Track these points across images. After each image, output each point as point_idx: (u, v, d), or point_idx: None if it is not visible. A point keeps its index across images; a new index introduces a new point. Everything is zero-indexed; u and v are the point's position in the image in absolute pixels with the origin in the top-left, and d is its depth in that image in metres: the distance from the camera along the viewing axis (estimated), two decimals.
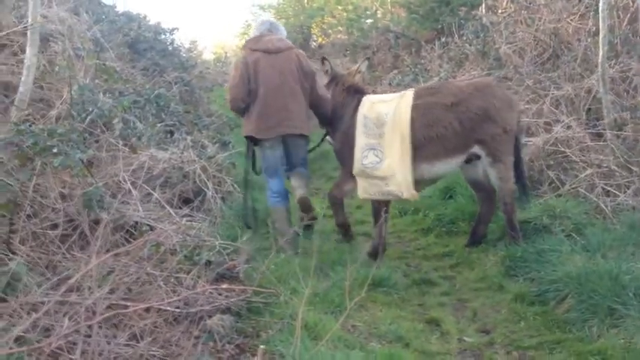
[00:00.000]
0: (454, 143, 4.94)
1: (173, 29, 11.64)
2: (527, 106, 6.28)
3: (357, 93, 5.39)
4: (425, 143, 4.92)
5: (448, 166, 5.07)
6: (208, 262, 4.47)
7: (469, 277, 4.72)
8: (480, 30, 8.01)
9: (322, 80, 5.52)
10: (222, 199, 5.85)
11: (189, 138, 7.03)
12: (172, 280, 4.11)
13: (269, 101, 5.17)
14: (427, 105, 4.98)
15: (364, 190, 5.14)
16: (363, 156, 5.05)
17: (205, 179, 5.69)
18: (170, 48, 11.95)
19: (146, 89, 7.61)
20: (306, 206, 5.34)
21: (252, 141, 5.42)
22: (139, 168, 5.65)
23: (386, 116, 4.99)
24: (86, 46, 7.82)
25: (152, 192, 5.47)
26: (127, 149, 5.89)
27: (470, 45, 8.16)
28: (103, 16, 9.88)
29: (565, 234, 4.71)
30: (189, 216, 5.43)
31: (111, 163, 5.64)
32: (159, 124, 6.74)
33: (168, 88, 9.44)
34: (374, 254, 5.07)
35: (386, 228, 5.22)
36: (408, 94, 5.10)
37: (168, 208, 5.36)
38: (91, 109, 5.84)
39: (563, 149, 5.60)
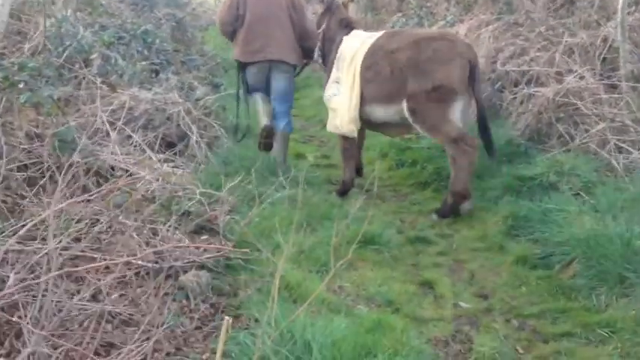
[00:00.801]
0: (387, 91, 4.96)
1: None
2: (538, 54, 5.87)
3: (347, 27, 5.51)
4: (366, 85, 5.06)
5: (387, 113, 5.08)
6: (187, 213, 4.17)
7: (468, 235, 4.42)
8: None
9: (310, 15, 5.76)
10: (208, 144, 5.49)
11: (175, 78, 6.65)
12: (146, 230, 3.80)
13: (254, 27, 5.53)
14: (377, 48, 5.07)
15: (328, 122, 5.47)
16: (328, 87, 5.38)
17: (190, 122, 5.31)
18: None
19: (132, 25, 7.16)
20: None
21: (241, 65, 5.77)
22: (118, 108, 5.29)
23: (350, 52, 5.21)
24: None
25: (132, 134, 5.13)
26: (107, 88, 5.51)
27: None
28: None
29: (573, 193, 4.39)
30: (171, 161, 5.09)
31: (89, 102, 5.28)
32: (143, 63, 6.32)
33: (158, 25, 8.99)
34: (343, 192, 5.29)
35: (353, 165, 5.44)
36: (375, 35, 5.28)
37: (148, 151, 5.03)
38: (68, 43, 5.44)
39: (574, 101, 5.22)
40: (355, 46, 5.18)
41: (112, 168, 4.59)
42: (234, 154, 5.32)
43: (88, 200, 3.73)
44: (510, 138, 5.39)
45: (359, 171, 5.70)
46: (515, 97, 5.72)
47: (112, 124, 5.08)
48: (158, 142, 5.26)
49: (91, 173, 4.37)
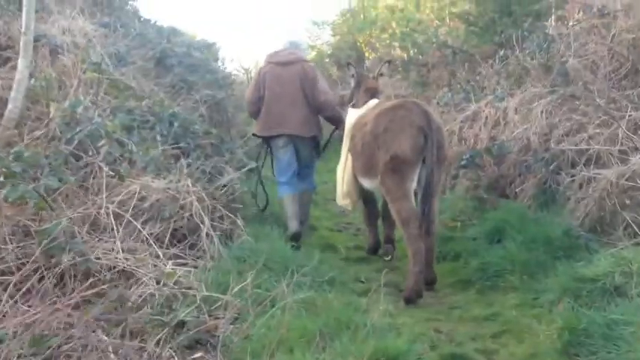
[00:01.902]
0: (365, 164, 5.06)
1: (212, 44, 11.03)
2: (597, 131, 5.21)
3: (371, 96, 5.81)
4: (353, 158, 5.37)
5: (373, 186, 5.14)
6: (182, 322, 3.66)
7: (515, 352, 3.68)
8: (544, 41, 6.95)
9: (324, 86, 6.23)
10: (224, 236, 5.02)
11: (198, 163, 6.31)
12: (126, 349, 3.31)
13: (271, 105, 6.23)
14: (358, 121, 5.34)
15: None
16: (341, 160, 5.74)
17: (202, 212, 4.87)
18: (209, 64, 11.39)
19: (161, 108, 6.92)
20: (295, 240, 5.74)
21: (264, 141, 6.57)
22: (128, 198, 4.93)
23: (348, 125, 5.62)
24: (102, 60, 7.24)
25: (139, 227, 4.72)
26: (115, 176, 5.18)
27: (532, 59, 7.11)
28: (133, 30, 9.35)
29: None
30: (180, 257, 4.65)
31: (97, 193, 4.95)
32: (163, 147, 6.00)
33: (195, 107, 8.80)
34: (371, 251, 5.71)
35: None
36: (367, 107, 5.55)
37: (155, 246, 4.60)
38: (78, 129, 5.17)
39: None
40: (352, 117, 5.55)
41: (110, 268, 4.19)
42: (251, 248, 4.81)
43: (57, 309, 3.29)
44: (568, 228, 4.70)
45: (391, 241, 5.67)
46: (574, 180, 5.05)
47: (118, 216, 4.73)
48: (168, 235, 4.84)
49: (80, 276, 3.99)
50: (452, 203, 6.22)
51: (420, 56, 12.08)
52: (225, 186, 5.86)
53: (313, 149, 6.35)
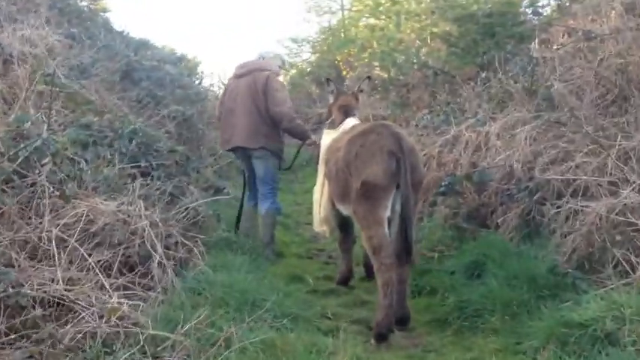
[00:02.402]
0: (340, 189, 4.80)
1: (186, 58, 10.67)
2: (585, 160, 4.90)
3: (345, 114, 5.63)
4: (329, 182, 5.12)
5: (348, 211, 4.80)
6: None
7: None
8: (528, 64, 6.69)
9: (281, 97, 6.01)
10: (181, 265, 4.61)
11: (141, 183, 5.91)
12: None
13: (226, 118, 6.27)
14: (332, 144, 5.13)
15: None
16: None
17: (154, 239, 4.46)
18: (181, 79, 11.01)
19: (120, 123, 6.52)
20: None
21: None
22: (74, 222, 4.51)
23: (323, 146, 5.41)
24: (55, 72, 6.83)
25: (86, 255, 4.29)
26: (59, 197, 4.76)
27: (515, 82, 6.84)
28: (98, 42, 8.96)
29: (638, 348, 3.29)
30: (129, 289, 4.23)
31: (42, 215, 4.53)
32: (118, 166, 5.59)
33: (163, 123, 8.40)
34: (341, 282, 5.41)
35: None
36: (341, 129, 5.35)
37: (101, 276, 4.17)
38: (22, 146, 4.74)
39: (634, 220, 4.19)
40: (327, 140, 5.33)
41: (47, 301, 3.76)
42: (208, 279, 4.40)
43: None
44: (553, 264, 4.34)
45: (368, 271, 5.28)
46: (559, 212, 4.71)
47: (62, 242, 4.32)
48: (117, 263, 4.41)
49: (9, 310, 3.56)
50: (429, 232, 5.87)
51: (400, 76, 11.84)
52: (186, 208, 5.46)
53: (270, 164, 6.13)
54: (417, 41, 12.00)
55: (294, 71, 18.61)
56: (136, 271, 4.43)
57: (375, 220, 4.30)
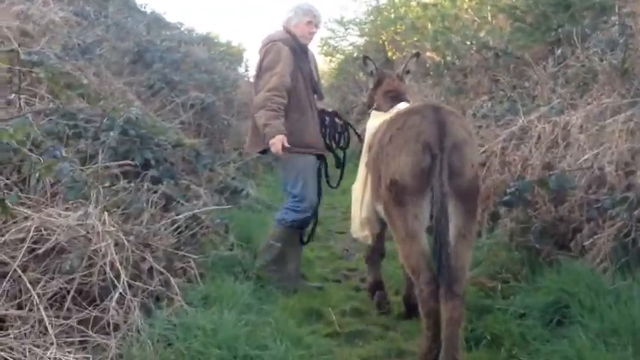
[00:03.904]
0: (372, 181, 4.04)
1: (206, 38, 9.66)
2: None
3: (394, 100, 4.59)
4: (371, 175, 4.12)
5: (382, 213, 3.90)
6: None
7: None
8: (620, 36, 5.35)
9: (266, 79, 4.64)
10: (157, 299, 3.53)
11: (155, 188, 4.89)
12: None
13: None
14: (378, 129, 4.14)
15: None
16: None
17: (119, 266, 3.38)
18: (208, 63, 10.00)
19: (116, 111, 5.50)
20: None
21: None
22: (19, 240, 3.50)
23: (368, 134, 4.47)
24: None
25: (29, 285, 3.28)
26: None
27: (601, 60, 5.50)
28: (105, 18, 7.98)
29: None
30: (83, 332, 3.19)
31: None
32: (102, 164, 4.56)
33: (176, 112, 7.39)
34: (373, 296, 4.50)
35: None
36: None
37: (44, 314, 3.16)
38: None
39: None
40: (375, 122, 4.36)
41: None
42: (185, 323, 3.30)
43: None
44: None
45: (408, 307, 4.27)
46: None
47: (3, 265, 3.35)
48: (69, 298, 3.38)
49: None
50: (490, 253, 4.64)
51: (456, 59, 10.54)
52: (173, 222, 4.40)
53: (280, 168, 5.03)
54: (476, 18, 10.63)
55: (340, 56, 17.49)
56: (94, 305, 3.40)
57: (407, 233, 3.42)
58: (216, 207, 4.98)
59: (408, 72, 4.84)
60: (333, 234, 5.97)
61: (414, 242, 3.38)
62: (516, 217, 4.64)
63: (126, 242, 3.50)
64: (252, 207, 6.67)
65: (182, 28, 10.43)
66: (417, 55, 5.01)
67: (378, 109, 4.65)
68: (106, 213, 3.61)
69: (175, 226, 4.51)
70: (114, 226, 3.54)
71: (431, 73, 10.25)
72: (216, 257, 4.37)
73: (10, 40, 5.12)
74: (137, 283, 3.44)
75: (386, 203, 3.57)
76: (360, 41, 16.43)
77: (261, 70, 4.70)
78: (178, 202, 5.15)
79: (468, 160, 3.39)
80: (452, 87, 9.68)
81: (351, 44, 16.67)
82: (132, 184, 4.49)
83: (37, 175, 3.71)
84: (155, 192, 4.93)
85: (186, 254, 4.15)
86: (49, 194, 3.86)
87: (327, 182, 5.05)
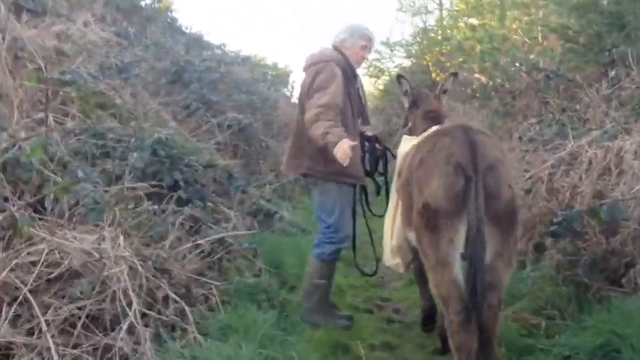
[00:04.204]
0: (402, 207, 3.89)
1: (246, 59, 9.60)
2: None
3: (428, 121, 4.37)
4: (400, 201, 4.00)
5: (413, 239, 3.65)
6: None
7: None
8: None
9: (318, 97, 4.28)
10: (170, 330, 3.35)
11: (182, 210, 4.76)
12: None
13: None
14: (409, 152, 3.94)
15: None
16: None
17: (131, 293, 3.21)
18: (249, 84, 9.92)
19: (144, 132, 5.41)
20: None
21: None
22: (30, 263, 3.38)
23: (399, 157, 4.28)
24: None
25: (38, 312, 3.14)
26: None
27: None
28: (145, 38, 7.99)
29: None
30: None
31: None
32: (127, 184, 4.43)
33: (212, 133, 7.29)
34: (425, 324, 4.29)
35: None
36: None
37: (51, 343, 3.01)
38: None
39: None
40: (406, 147, 4.19)
41: None
42: (200, 355, 3.10)
43: None
44: None
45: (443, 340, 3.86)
46: None
47: (9, 291, 3.22)
48: (79, 325, 3.22)
49: None
50: (534, 286, 4.31)
51: (505, 81, 10.21)
52: (198, 245, 4.24)
53: (319, 194, 4.51)
54: (526, 39, 10.29)
55: (386, 77, 17.30)
56: (105, 333, 3.24)
57: (439, 260, 3.22)
58: (245, 232, 4.78)
59: (445, 92, 4.61)
60: (369, 260, 5.70)
61: (445, 270, 3.18)
62: (564, 249, 4.29)
63: (140, 268, 3.33)
64: (286, 230, 6.48)
65: (224, 49, 10.39)
66: (455, 75, 4.84)
67: (412, 130, 4.47)
68: (121, 237, 3.46)
69: (200, 250, 4.38)
70: (129, 251, 3.37)
71: (477, 95, 9.90)
72: (240, 284, 4.17)
73: (37, 58, 5.05)
74: (150, 312, 3.26)
75: (417, 229, 3.38)
76: (407, 63, 16.23)
77: (310, 89, 4.34)
78: (206, 225, 5.02)
79: (504, 181, 3.21)
80: (499, 109, 9.34)
81: (397, 66, 16.47)
82: (156, 207, 4.36)
83: (51, 196, 3.57)
84: (182, 214, 4.82)
85: (208, 281, 3.98)
86: (66, 216, 3.74)
87: (370, 210, 4.80)
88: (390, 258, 4.31)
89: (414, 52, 15.90)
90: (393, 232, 4.24)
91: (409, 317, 4.69)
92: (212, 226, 5.02)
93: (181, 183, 5.27)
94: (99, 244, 3.42)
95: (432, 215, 3.19)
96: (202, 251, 4.38)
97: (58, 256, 3.42)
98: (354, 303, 4.93)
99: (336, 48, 4.59)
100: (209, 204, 5.43)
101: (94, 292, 3.30)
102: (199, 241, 4.27)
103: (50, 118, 5.07)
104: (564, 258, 4.28)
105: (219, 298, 4.02)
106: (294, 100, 12.04)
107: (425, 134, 4.01)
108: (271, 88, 11.42)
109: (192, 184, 5.43)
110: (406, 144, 4.28)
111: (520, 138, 6.04)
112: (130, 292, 3.20)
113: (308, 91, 4.37)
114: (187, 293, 3.69)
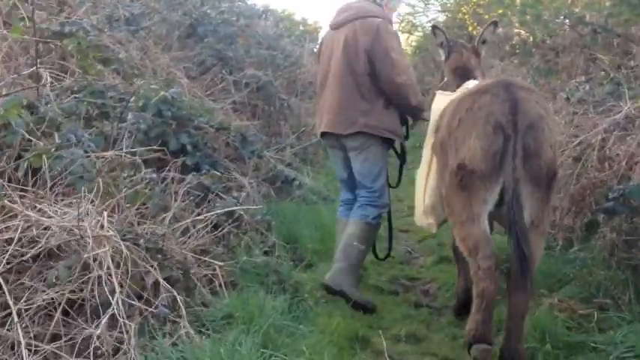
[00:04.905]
0: (439, 167, 3.72)
1: (267, 12, 9.04)
2: None
3: (462, 77, 4.19)
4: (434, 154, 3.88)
5: None
6: None
7: None
8: None
9: (402, 61, 4.26)
10: (159, 323, 2.91)
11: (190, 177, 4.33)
12: None
13: (321, 90, 4.48)
14: (445, 109, 3.74)
15: None
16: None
17: (114, 279, 2.78)
18: (271, 38, 9.38)
19: (148, 89, 4.94)
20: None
21: None
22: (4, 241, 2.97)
23: (433, 115, 4.03)
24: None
25: (9, 301, 2.74)
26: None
27: None
28: None
29: None
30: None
31: None
32: (125, 150, 3.99)
33: (227, 92, 6.81)
34: (457, 310, 3.90)
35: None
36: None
37: (20, 335, 2.61)
38: None
39: None
40: (440, 104, 3.94)
41: None
42: (193, 355, 2.66)
43: None
44: None
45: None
46: None
47: None
48: (58, 313, 2.82)
49: None
50: (583, 270, 3.79)
51: (547, 36, 9.50)
52: (203, 219, 3.80)
53: (372, 156, 4.28)
54: None
55: (419, 33, 16.53)
56: (87, 324, 2.83)
57: (469, 216, 3.23)
58: (254, 207, 4.32)
59: (484, 42, 4.35)
60: (395, 232, 5.22)
61: (474, 224, 3.18)
62: (619, 228, 3.77)
63: (125, 250, 2.89)
64: (307, 198, 6.01)
65: (246, 1, 9.80)
66: (495, 23, 4.51)
67: (446, 85, 4.28)
68: (105, 213, 3.02)
69: (205, 224, 3.95)
70: (112, 230, 2.93)
71: (517, 51, 9.24)
72: (248, 264, 3.73)
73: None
74: (136, 302, 2.82)
75: (449, 187, 3.34)
76: (441, 17, 15.42)
77: (383, 48, 4.16)
78: (216, 194, 4.59)
79: (545, 140, 3.12)
80: (541, 67, 8.68)
81: (430, 20, 15.66)
82: (154, 175, 3.92)
83: (24, 164, 3.14)
84: (188, 182, 4.40)
85: (210, 260, 3.54)
86: (49, 186, 3.32)
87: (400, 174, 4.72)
88: (423, 218, 4.14)
89: (449, 4, 15.13)
90: (426, 191, 4.06)
91: (439, 300, 4.19)
92: (222, 195, 4.59)
93: (189, 147, 4.84)
94: (82, 220, 3.00)
95: (468, 175, 3.14)
96: (208, 225, 3.96)
97: (35, 232, 3.02)
98: (378, 283, 4.45)
99: (377, 3, 4.46)
100: (220, 171, 5.00)
101: (75, 277, 2.90)
102: (203, 215, 3.82)
103: (46, 75, 4.67)
104: (619, 238, 3.76)
105: (225, 279, 3.61)
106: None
107: (463, 90, 3.82)
108: (298, 44, 10.80)
109: (201, 149, 5.00)
110: (441, 100, 4.06)
111: (567, 98, 5.42)
112: (114, 279, 2.77)
113: (371, 47, 4.17)
114: (185, 276, 3.25)
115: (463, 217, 3.23)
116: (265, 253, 4.16)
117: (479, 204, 3.16)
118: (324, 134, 4.40)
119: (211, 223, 4.01)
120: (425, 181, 4.08)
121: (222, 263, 3.55)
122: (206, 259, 3.54)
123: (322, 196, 6.18)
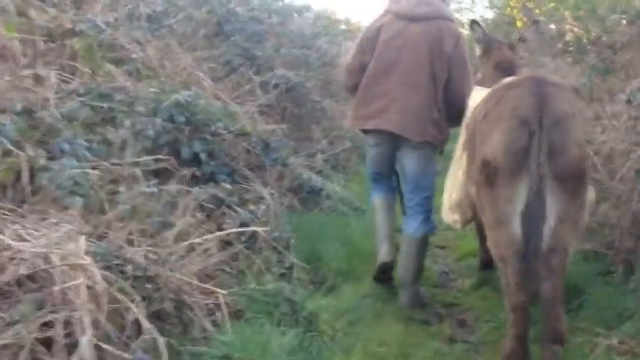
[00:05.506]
0: (467, 161, 3.70)
1: (302, 9, 8.64)
2: None
3: (501, 73, 4.09)
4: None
5: None
6: None
7: None
8: None
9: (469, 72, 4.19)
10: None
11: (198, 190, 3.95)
12: None
13: (375, 80, 4.12)
14: (478, 104, 3.64)
15: None
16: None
17: (84, 313, 2.37)
18: (308, 38, 8.98)
19: (163, 93, 4.58)
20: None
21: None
22: None
23: (468, 111, 3.93)
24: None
25: None
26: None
27: None
28: None
29: None
30: None
31: None
32: (129, 160, 3.61)
33: (254, 94, 6.41)
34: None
35: None
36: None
37: None
38: None
39: None
40: (476, 99, 3.85)
41: None
42: None
43: None
44: None
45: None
46: None
47: None
48: (27, 347, 2.43)
49: None
50: None
51: (603, 32, 8.90)
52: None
53: (428, 161, 4.18)
54: None
55: (465, 31, 15.96)
56: None
57: (497, 219, 3.20)
58: (266, 221, 3.90)
59: (523, 41, 4.59)
60: (431, 248, 4.74)
61: (503, 228, 3.14)
62: None
63: (103, 283, 2.48)
64: (336, 209, 5.56)
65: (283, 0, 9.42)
66: (536, 22, 4.57)
67: (482, 81, 4.20)
68: (82, 237, 2.63)
69: (213, 242, 3.56)
70: (85, 259, 2.53)
71: (570, 48, 8.68)
72: (256, 291, 3.30)
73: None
74: (108, 347, 2.40)
75: (477, 185, 3.35)
76: (489, 14, 14.84)
77: (460, 58, 4.08)
78: (231, 207, 4.20)
79: (572, 137, 3.10)
80: (597, 65, 8.09)
81: (479, 17, 15.12)
82: (154, 189, 3.53)
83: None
84: (194, 196, 4.02)
85: (212, 288, 3.13)
86: (27, 203, 2.96)
87: None
88: (449, 214, 4.15)
89: (496, 1, 14.52)
90: (454, 187, 4.07)
91: (477, 334, 3.68)
92: (237, 208, 4.19)
93: (202, 156, 4.46)
94: (58, 244, 2.62)
95: (492, 172, 3.14)
96: (216, 243, 3.56)
97: (4, 258, 2.65)
98: (407, 310, 3.96)
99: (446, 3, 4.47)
100: (238, 180, 4.62)
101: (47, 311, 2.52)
102: (207, 235, 3.41)
103: (52, 75, 4.34)
104: None
105: (230, 308, 3.20)
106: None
107: (495, 85, 3.78)
108: (335, 42, 10.36)
109: (217, 157, 4.61)
110: (477, 95, 3.98)
111: (629, 101, 4.84)
112: (84, 317, 2.37)
113: (440, 50, 4.02)
114: (179, 309, 2.85)
115: (491, 218, 3.23)
116: (282, 275, 3.74)
117: (504, 203, 3.12)
118: (375, 130, 4.16)
119: (221, 240, 3.63)
120: (454, 177, 4.08)
121: (225, 292, 3.12)
122: (206, 286, 3.12)
123: (353, 207, 5.72)
